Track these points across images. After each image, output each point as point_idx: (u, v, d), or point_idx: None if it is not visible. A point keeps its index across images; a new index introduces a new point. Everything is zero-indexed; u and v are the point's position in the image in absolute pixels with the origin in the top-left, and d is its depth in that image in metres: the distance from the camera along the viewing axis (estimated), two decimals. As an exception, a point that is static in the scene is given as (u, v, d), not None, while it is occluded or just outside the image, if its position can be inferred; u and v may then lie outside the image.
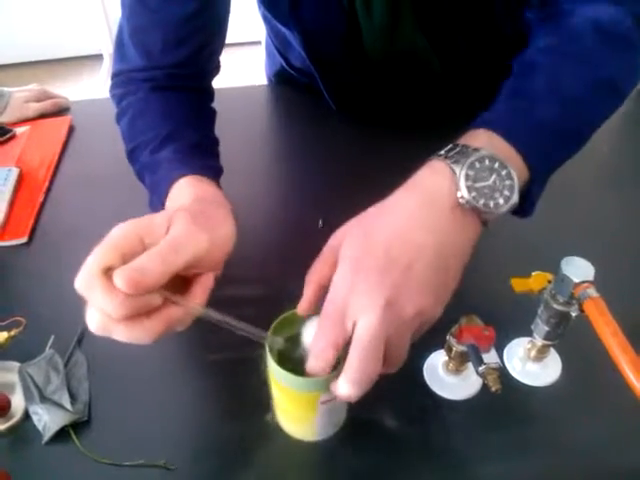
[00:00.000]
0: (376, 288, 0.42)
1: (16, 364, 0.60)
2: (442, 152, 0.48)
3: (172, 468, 0.53)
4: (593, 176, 0.84)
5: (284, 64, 0.98)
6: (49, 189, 0.83)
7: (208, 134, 0.68)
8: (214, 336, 0.62)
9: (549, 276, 0.56)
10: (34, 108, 0.97)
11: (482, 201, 0.45)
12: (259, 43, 1.07)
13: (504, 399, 0.54)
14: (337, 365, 0.46)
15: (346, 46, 0.79)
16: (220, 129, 0.77)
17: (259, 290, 0.68)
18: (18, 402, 0.57)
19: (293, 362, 0.49)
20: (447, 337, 0.56)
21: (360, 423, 0.56)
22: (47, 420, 0.55)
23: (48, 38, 2.62)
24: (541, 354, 0.60)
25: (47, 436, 0.55)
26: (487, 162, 0.45)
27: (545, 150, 0.51)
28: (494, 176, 0.45)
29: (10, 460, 0.54)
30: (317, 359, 0.43)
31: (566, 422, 0.57)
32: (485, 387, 0.54)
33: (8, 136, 0.92)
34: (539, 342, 0.58)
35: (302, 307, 0.48)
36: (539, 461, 0.54)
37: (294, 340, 0.51)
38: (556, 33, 0.56)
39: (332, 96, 0.91)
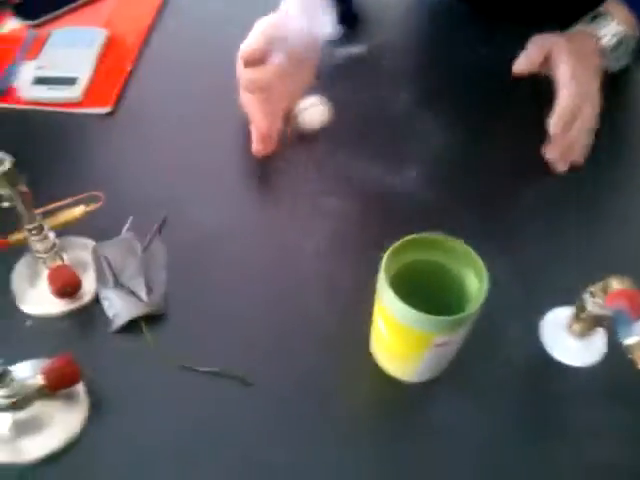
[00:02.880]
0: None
1: (91, 242, 0.55)
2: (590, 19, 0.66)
3: (250, 383, 0.48)
4: None
5: None
6: (138, 58, 0.75)
7: None
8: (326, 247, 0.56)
9: None
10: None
11: (613, 63, 0.67)
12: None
13: (630, 371, 0.45)
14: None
15: None
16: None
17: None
18: (89, 284, 0.52)
19: (407, 294, 0.42)
20: (584, 295, 0.47)
21: (463, 372, 0.49)
22: (119, 308, 0.50)
23: None
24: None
25: (117, 325, 0.50)
26: (624, 38, 0.66)
27: None
28: (623, 47, 0.66)
29: (75, 344, 0.49)
30: None
31: None
32: (611, 355, 0.48)
33: (98, -6, 0.84)
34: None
35: (521, 63, 0.63)
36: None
37: (411, 270, 0.44)
38: None
39: None
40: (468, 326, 0.43)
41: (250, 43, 0.58)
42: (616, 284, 0.45)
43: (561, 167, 0.63)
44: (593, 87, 0.63)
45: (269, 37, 0.58)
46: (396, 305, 0.40)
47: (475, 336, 0.45)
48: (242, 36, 0.59)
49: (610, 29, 0.65)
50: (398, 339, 0.44)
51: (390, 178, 0.62)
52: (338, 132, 0.64)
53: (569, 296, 0.50)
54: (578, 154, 0.63)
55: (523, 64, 0.63)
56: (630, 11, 0.65)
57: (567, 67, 0.61)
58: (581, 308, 0.48)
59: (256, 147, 0.61)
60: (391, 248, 0.43)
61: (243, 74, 0.60)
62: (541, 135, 0.62)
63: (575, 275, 0.50)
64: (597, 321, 0.48)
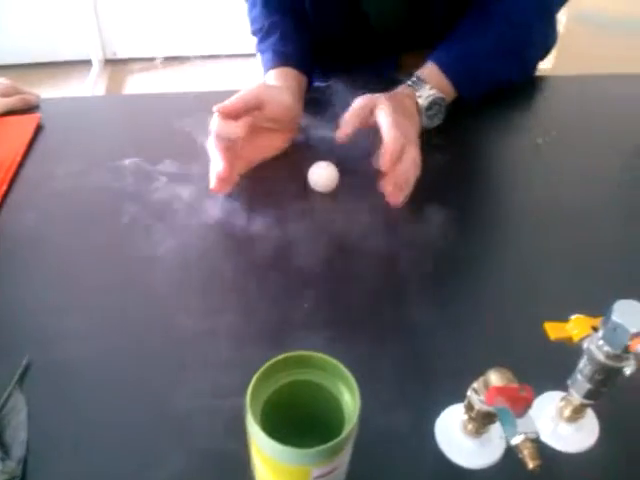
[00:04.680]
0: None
1: (-62, 406, 0.49)
2: (410, 83, 0.78)
3: None
4: None
5: None
6: (6, 194, 0.72)
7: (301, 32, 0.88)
8: (186, 383, 0.53)
9: (594, 322, 0.47)
10: (-1, 103, 0.86)
11: (427, 121, 0.78)
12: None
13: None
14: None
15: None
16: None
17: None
18: (-64, 455, 0.46)
19: (280, 425, 0.39)
20: (468, 393, 0.46)
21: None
22: (-31, 481, 0.44)
23: (36, 41, 2.51)
24: (577, 414, 0.50)
25: (-32, 501, 0.44)
26: (437, 99, 0.78)
27: (477, 88, 0.82)
28: (436, 107, 0.78)
29: None
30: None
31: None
32: (509, 453, 0.45)
33: (-33, 133, 0.82)
34: (576, 400, 0.48)
35: (342, 132, 0.69)
36: None
37: (280, 397, 0.41)
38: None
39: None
40: (349, 448, 0.40)
41: (229, 101, 0.67)
42: (495, 379, 0.43)
43: (396, 199, 0.67)
44: (413, 133, 0.71)
45: (247, 101, 0.68)
46: (260, 439, 0.37)
47: (365, 452, 0.42)
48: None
49: (424, 92, 0.76)
50: (275, 476, 0.40)
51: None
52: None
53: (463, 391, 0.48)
54: (409, 186, 0.68)
55: (350, 123, 0.69)
56: (443, 77, 0.78)
57: (389, 116, 0.67)
58: (469, 406, 0.47)
59: (213, 186, 0.68)
60: (257, 374, 0.40)
61: (215, 123, 0.67)
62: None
63: (469, 368, 0.48)
64: (488, 418, 0.46)
